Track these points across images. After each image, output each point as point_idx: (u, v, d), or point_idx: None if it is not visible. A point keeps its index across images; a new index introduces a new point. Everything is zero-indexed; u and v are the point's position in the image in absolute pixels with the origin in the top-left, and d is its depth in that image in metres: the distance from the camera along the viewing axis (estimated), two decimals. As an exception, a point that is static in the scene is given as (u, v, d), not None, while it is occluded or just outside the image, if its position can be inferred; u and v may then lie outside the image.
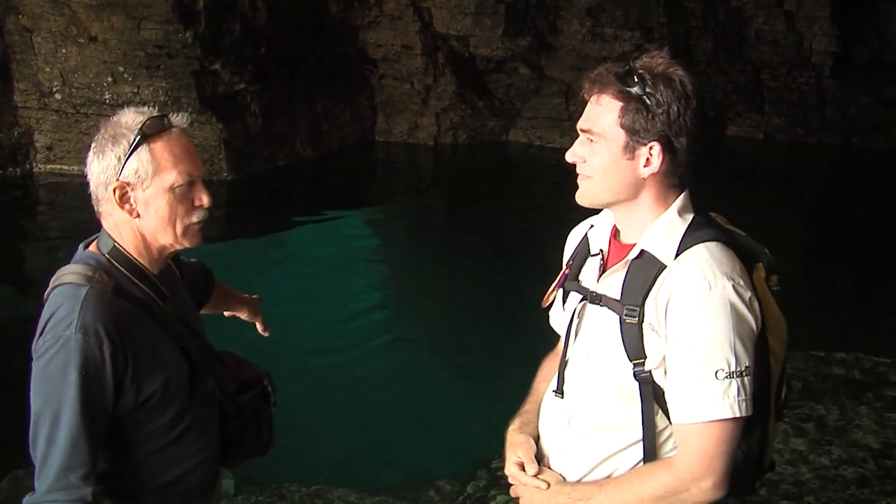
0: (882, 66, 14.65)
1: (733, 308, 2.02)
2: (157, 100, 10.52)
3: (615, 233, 2.25)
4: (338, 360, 6.94)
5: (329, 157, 12.46)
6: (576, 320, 2.26)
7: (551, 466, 2.29)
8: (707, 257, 2.06)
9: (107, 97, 10.62)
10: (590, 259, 2.29)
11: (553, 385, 2.33)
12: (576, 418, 2.23)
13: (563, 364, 2.29)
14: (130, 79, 10.67)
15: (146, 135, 2.12)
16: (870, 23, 14.94)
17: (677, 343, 2.04)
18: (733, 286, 2.03)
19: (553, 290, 2.35)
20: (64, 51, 10.61)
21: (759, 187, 12.28)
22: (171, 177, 2.14)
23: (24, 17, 10.54)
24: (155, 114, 2.16)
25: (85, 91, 10.66)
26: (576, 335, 2.27)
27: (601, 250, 2.26)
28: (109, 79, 10.65)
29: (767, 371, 2.13)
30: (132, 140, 2.11)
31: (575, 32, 13.72)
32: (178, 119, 2.19)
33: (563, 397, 2.28)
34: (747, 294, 2.04)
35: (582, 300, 2.24)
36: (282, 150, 11.92)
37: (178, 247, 2.22)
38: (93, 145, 2.17)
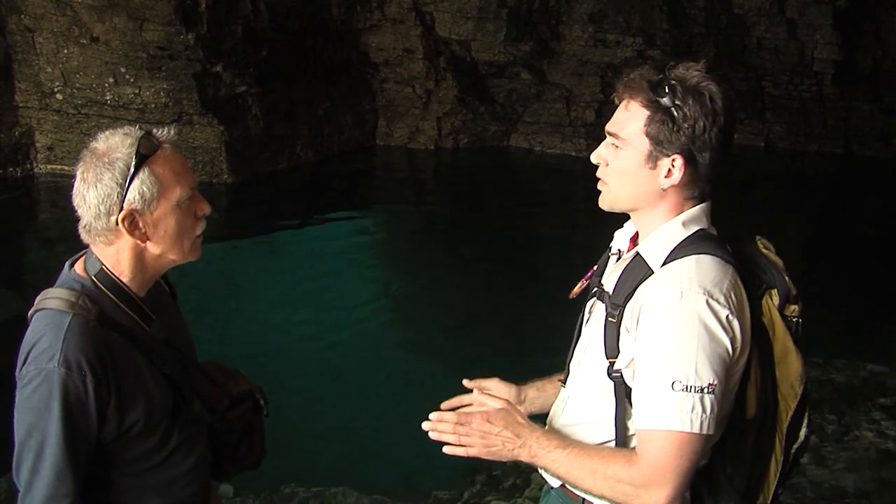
0: (883, 75, 14.65)
1: (702, 322, 1.97)
2: (159, 101, 10.54)
3: (636, 235, 2.28)
4: (338, 363, 6.93)
5: (330, 161, 12.47)
6: (587, 315, 2.32)
7: None
8: (692, 269, 2.03)
9: (108, 98, 10.61)
10: (611, 258, 2.34)
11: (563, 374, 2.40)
12: (568, 409, 2.29)
13: (570, 355, 2.35)
14: (132, 80, 10.65)
15: (145, 156, 2.05)
16: (871, 31, 14.94)
17: (642, 348, 2.04)
18: (707, 300, 1.98)
19: (580, 285, 2.38)
20: (66, 51, 10.61)
21: (760, 195, 12.27)
22: (176, 193, 2.10)
23: (27, 17, 10.55)
24: (140, 133, 2.09)
25: (86, 92, 10.64)
26: (584, 329, 2.33)
27: (619, 251, 2.31)
28: (111, 80, 10.64)
29: (774, 402, 2.10)
30: (131, 164, 2.04)
31: (577, 38, 13.73)
32: (165, 134, 2.14)
33: (565, 387, 2.34)
34: (723, 312, 1.99)
35: (592, 296, 2.30)
36: (283, 152, 11.93)
37: (183, 261, 2.19)
38: (82, 174, 2.08)
